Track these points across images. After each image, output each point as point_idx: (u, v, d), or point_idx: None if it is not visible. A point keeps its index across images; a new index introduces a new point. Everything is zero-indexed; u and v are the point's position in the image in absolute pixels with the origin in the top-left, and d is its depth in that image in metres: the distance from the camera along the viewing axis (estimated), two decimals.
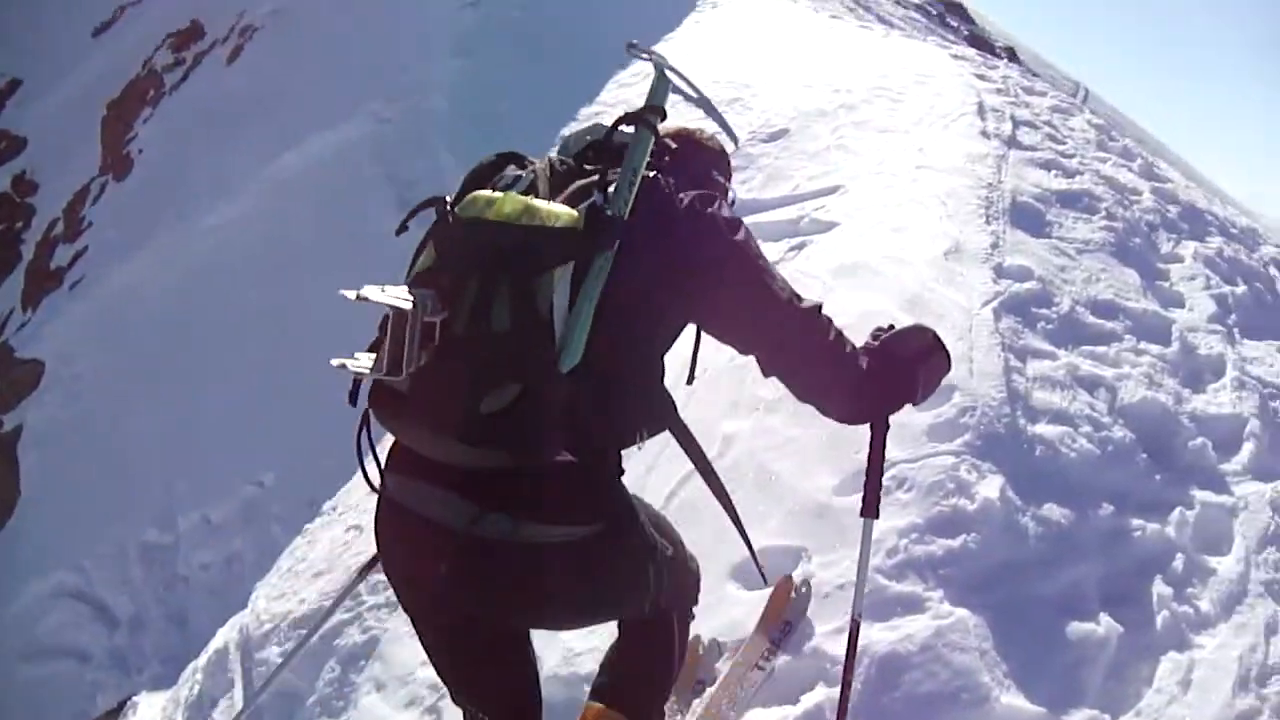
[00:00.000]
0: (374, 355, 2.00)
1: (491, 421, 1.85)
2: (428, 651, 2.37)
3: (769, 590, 3.26)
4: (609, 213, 1.92)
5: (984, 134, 6.44)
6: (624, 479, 2.20)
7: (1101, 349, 4.50)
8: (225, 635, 5.04)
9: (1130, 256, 5.41)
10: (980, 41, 21.00)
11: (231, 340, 10.63)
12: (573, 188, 2.02)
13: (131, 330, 12.00)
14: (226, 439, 9.69)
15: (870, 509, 2.50)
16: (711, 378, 4.15)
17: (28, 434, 11.91)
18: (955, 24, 21.82)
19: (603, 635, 3.48)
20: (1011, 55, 22.19)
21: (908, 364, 2.25)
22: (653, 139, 2.03)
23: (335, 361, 1.95)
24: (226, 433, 9.75)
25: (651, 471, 3.99)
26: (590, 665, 3.37)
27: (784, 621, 3.25)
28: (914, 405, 2.34)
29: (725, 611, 3.40)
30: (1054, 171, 6.09)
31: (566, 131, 2.53)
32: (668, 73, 2.16)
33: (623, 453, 2.16)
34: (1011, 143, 6.38)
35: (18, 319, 14.86)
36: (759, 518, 3.58)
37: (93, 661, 8.86)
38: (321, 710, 4.19)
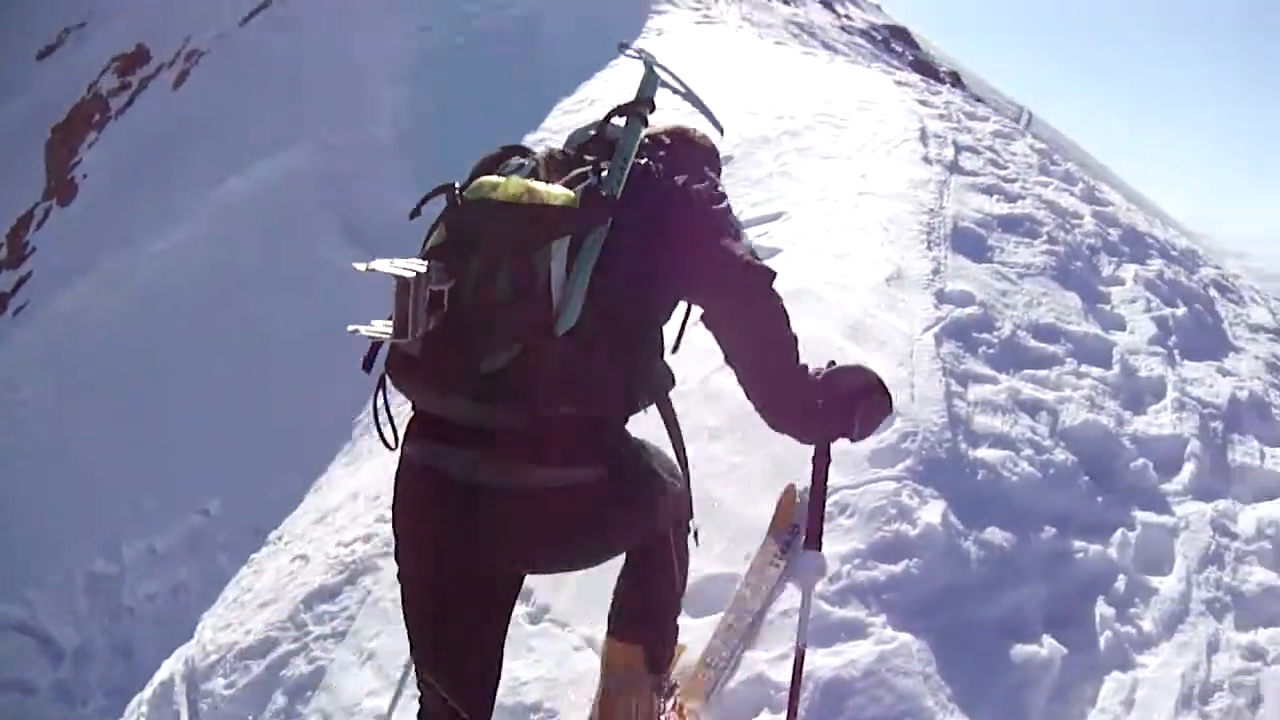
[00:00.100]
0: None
1: (494, 379, 2.03)
2: (410, 622, 2.40)
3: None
4: (603, 193, 2.10)
5: (926, 160, 6.49)
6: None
7: (1043, 373, 4.55)
8: (170, 667, 4.94)
9: (1071, 280, 5.47)
10: (924, 67, 21.24)
11: (178, 366, 10.52)
12: (571, 174, 2.19)
13: (77, 356, 11.82)
14: (172, 466, 9.58)
15: (813, 542, 2.53)
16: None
17: None
18: (900, 49, 22.03)
19: (549, 666, 3.48)
20: (955, 80, 22.48)
21: (845, 401, 2.34)
22: (643, 128, 2.23)
23: (351, 327, 2.06)
24: (172, 459, 9.64)
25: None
26: (536, 695, 3.38)
27: (791, 525, 3.53)
28: (851, 442, 2.41)
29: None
30: (996, 196, 6.16)
31: None
32: (655, 69, 2.37)
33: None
34: (954, 168, 6.44)
35: None
36: (702, 544, 3.54)
37: (38, 694, 8.69)
38: None
